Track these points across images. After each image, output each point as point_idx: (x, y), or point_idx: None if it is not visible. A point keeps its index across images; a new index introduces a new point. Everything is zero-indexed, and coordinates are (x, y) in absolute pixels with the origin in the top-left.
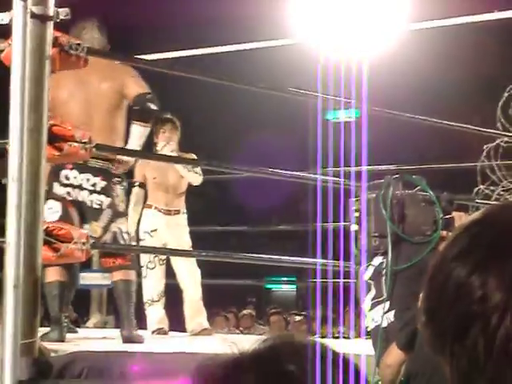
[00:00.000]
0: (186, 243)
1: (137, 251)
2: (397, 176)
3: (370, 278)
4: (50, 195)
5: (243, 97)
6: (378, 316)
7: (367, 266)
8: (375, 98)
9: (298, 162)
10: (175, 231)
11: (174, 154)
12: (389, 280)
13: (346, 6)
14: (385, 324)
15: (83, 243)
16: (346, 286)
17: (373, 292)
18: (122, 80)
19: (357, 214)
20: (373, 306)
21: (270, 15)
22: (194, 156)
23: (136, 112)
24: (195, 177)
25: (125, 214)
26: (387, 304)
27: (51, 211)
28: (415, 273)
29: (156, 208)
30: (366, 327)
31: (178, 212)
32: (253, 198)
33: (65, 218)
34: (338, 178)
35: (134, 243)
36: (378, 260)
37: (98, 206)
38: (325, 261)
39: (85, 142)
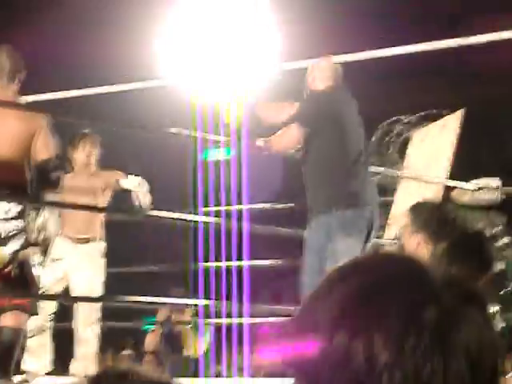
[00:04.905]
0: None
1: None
2: None
3: None
4: None
5: (116, 140)
6: None
7: None
8: (250, 134)
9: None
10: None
11: (93, 169)
12: None
13: (218, 48)
14: None
15: None
16: (228, 325)
17: None
18: (35, 129)
19: None
20: None
21: (140, 56)
22: (114, 171)
23: (40, 179)
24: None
25: (36, 245)
26: None
27: None
28: None
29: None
30: None
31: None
32: (129, 238)
33: None
34: (218, 218)
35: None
36: None
37: (14, 233)
38: (206, 301)
39: None
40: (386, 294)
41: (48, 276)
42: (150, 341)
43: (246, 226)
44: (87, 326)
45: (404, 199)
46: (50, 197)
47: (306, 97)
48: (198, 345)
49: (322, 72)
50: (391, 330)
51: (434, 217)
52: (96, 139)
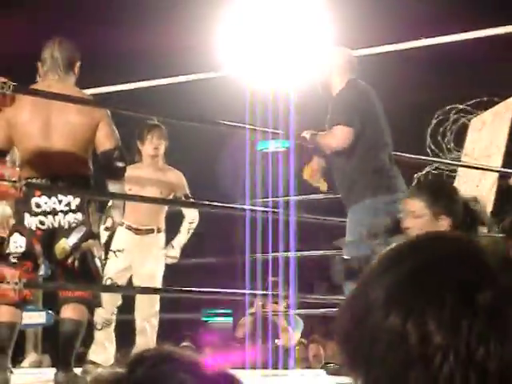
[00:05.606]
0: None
1: (85, 288)
2: None
3: None
4: (17, 228)
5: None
6: None
7: None
8: (304, 126)
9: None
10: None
11: (161, 162)
12: None
13: (274, 38)
14: None
15: (16, 283)
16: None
17: None
18: (97, 121)
19: None
20: None
21: (197, 48)
22: (180, 174)
23: (104, 169)
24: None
25: (98, 236)
26: None
27: (15, 245)
28: None
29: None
30: None
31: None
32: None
33: (28, 253)
34: (267, 209)
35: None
36: None
37: (74, 225)
38: (255, 292)
39: (14, 181)
40: (440, 275)
41: (111, 267)
42: (241, 331)
43: (302, 216)
44: (145, 317)
45: (463, 187)
46: (114, 187)
47: (340, 96)
48: (289, 336)
49: (340, 64)
50: (445, 311)
51: (456, 199)
52: (164, 131)
